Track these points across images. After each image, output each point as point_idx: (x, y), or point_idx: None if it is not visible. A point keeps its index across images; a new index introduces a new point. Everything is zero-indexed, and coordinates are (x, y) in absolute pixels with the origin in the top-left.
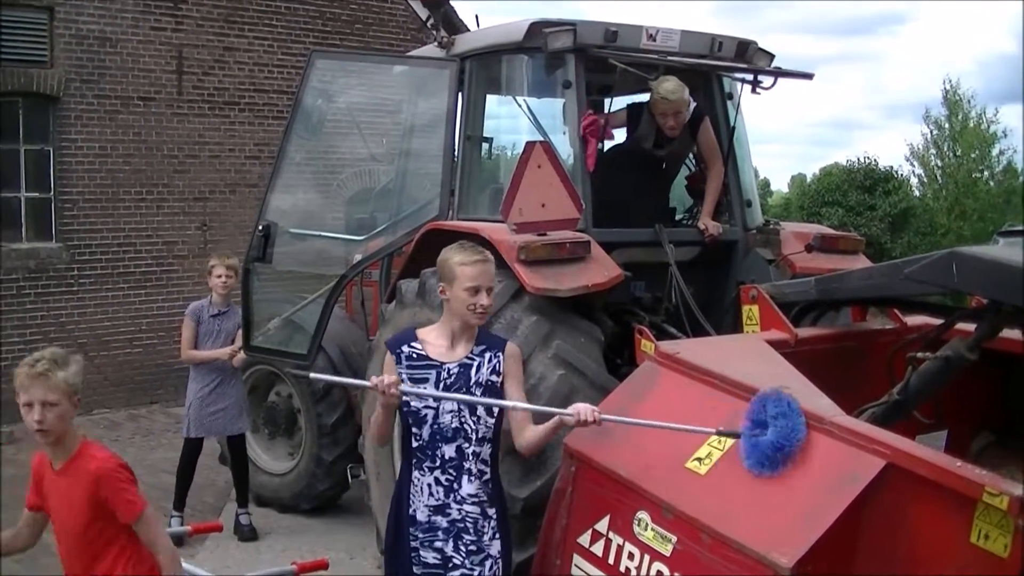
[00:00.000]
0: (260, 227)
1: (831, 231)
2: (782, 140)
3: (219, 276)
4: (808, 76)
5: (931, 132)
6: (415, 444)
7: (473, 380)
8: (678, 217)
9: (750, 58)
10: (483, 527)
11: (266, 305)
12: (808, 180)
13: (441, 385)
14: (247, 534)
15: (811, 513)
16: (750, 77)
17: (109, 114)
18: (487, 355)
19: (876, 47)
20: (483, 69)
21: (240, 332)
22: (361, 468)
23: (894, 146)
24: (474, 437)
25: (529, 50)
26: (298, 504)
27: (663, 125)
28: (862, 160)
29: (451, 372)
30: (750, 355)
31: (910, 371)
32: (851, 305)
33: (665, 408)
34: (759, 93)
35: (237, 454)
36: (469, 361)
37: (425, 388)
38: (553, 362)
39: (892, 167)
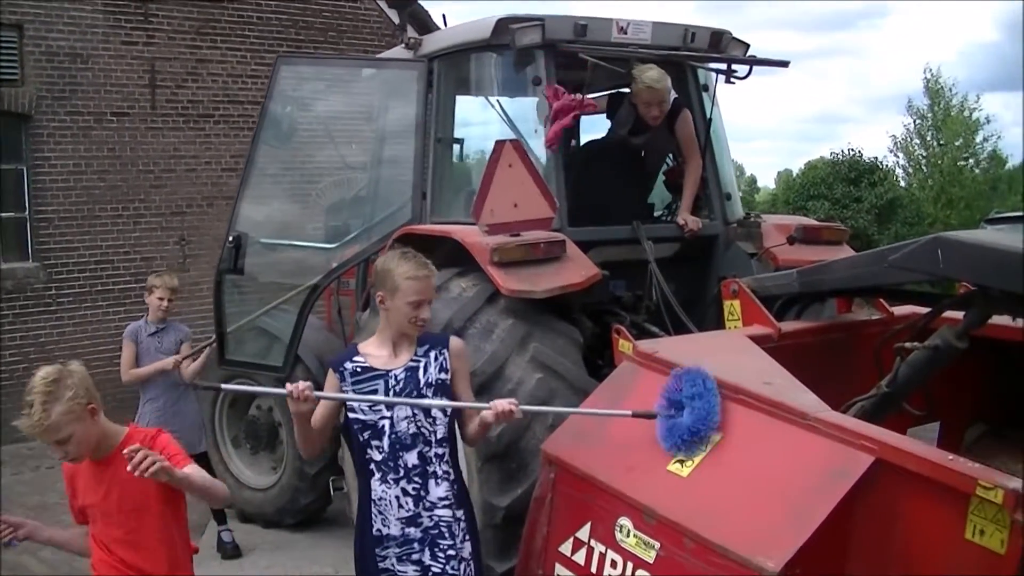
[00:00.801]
0: (231, 238)
1: (813, 222)
2: (769, 136)
3: (160, 298)
4: (783, 64)
5: (914, 122)
6: (377, 457)
7: (423, 382)
8: (657, 213)
9: (724, 48)
10: (455, 530)
11: (239, 317)
12: (794, 175)
13: (391, 393)
14: (230, 551)
15: (798, 513)
16: (724, 67)
17: (83, 131)
18: (432, 354)
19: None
20: (451, 69)
21: (185, 345)
22: (343, 480)
23: (879, 139)
24: (433, 439)
25: (497, 47)
26: (282, 519)
27: (646, 115)
28: (846, 152)
29: (398, 378)
30: (731, 351)
31: (898, 362)
32: (836, 297)
33: (651, 403)
34: (733, 83)
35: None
36: (415, 363)
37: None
38: (531, 365)
39: (876, 158)
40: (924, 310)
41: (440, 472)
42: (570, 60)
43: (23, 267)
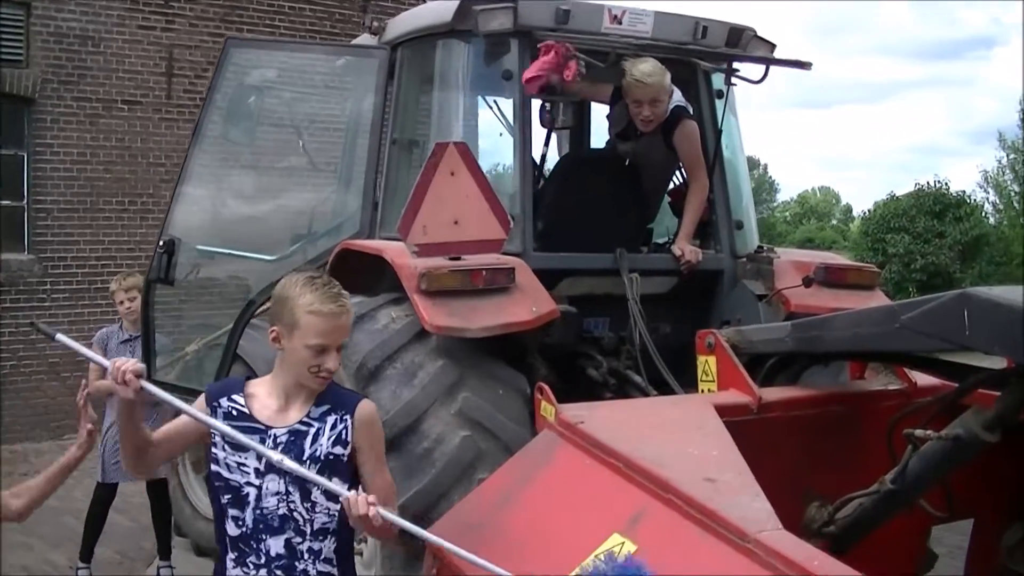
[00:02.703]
0: (161, 243)
1: (840, 260)
2: (867, 167)
3: (121, 302)
4: (804, 65)
5: (1007, 156)
6: (234, 532)
7: (307, 454)
8: (661, 241)
9: (743, 47)
10: None
11: (168, 333)
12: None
13: (264, 458)
14: None
15: None
16: (741, 67)
17: (89, 118)
18: (330, 419)
19: (964, 71)
20: (415, 58)
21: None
22: None
23: (972, 173)
24: (308, 529)
25: (462, 34)
26: None
27: (636, 115)
28: (932, 185)
29: (278, 441)
30: (682, 427)
31: (909, 452)
32: (835, 359)
33: (558, 495)
34: (734, 84)
35: (158, 500)
36: (304, 427)
37: (244, 458)
38: (456, 420)
39: (964, 192)
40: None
41: (313, 572)
42: None
43: (17, 259)
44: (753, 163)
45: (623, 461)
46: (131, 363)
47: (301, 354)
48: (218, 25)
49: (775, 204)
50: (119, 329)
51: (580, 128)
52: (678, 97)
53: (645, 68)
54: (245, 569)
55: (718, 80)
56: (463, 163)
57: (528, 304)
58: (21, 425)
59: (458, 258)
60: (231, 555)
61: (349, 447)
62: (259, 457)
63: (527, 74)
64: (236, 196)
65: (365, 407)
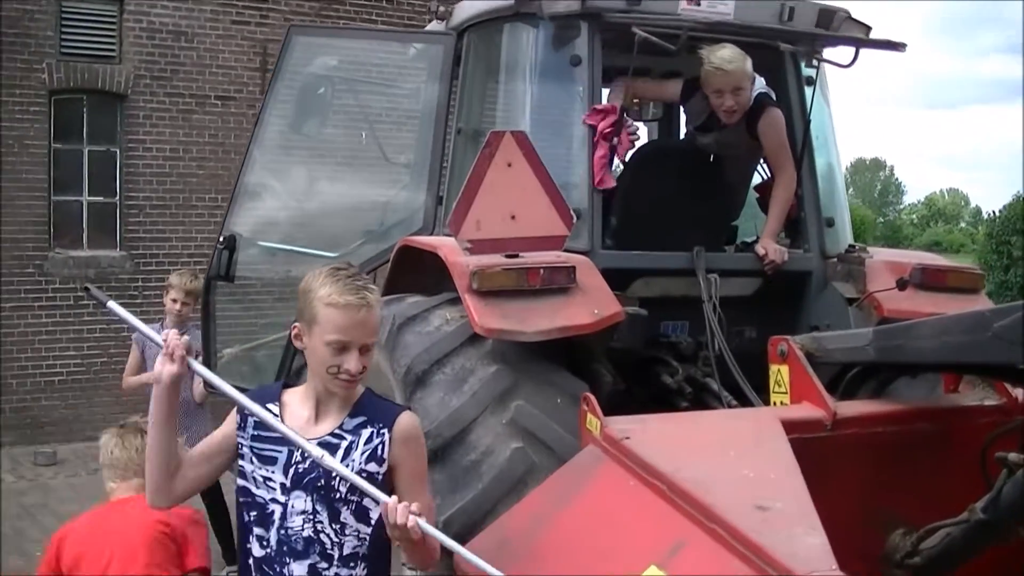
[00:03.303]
0: (222, 239)
1: (940, 261)
2: (998, 168)
3: (174, 300)
4: (898, 47)
5: None
6: (258, 553)
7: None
8: (749, 240)
9: (835, 29)
10: None
11: (228, 331)
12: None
13: (290, 473)
14: None
15: None
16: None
17: (182, 114)
18: (365, 432)
19: None
20: (481, 44)
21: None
22: None
23: None
24: (336, 554)
25: (529, 17)
26: None
27: (718, 107)
28: None
29: (305, 454)
30: (739, 445)
31: (1004, 477)
32: (922, 371)
33: (596, 517)
34: (815, 66)
35: (214, 504)
36: (335, 440)
37: (271, 472)
38: (507, 431)
39: None
40: None
41: None
42: (626, 40)
43: (108, 255)
44: (879, 165)
45: (667, 483)
46: (184, 338)
47: (320, 352)
48: (313, 20)
49: (902, 206)
50: (160, 327)
51: (669, 120)
52: (760, 84)
53: (725, 54)
54: None
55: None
56: (521, 153)
57: (590, 306)
58: (111, 423)
59: (515, 256)
60: None
61: (385, 465)
62: (286, 472)
63: (596, 181)
64: (299, 191)
65: (406, 420)
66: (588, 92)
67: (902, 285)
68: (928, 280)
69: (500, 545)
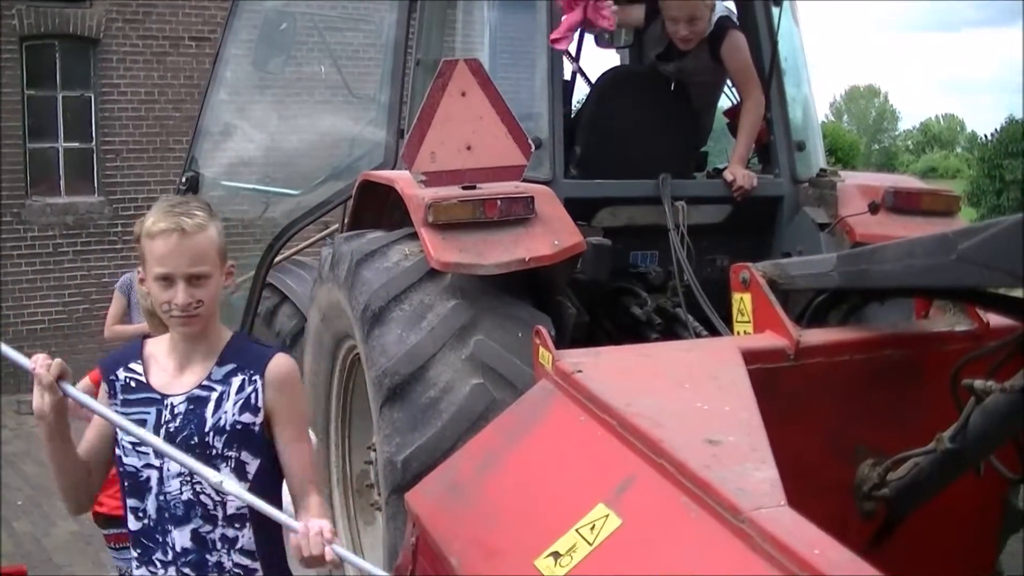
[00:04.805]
0: (184, 179)
1: (913, 183)
2: (993, 91)
3: None
4: None
5: None
6: (136, 526)
7: (210, 424)
8: (722, 166)
9: None
10: None
11: None
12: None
13: (162, 432)
14: None
15: None
16: None
17: (156, 56)
18: (236, 380)
19: None
20: None
21: None
22: None
23: None
24: (220, 514)
25: None
26: None
27: (673, 34)
28: None
29: (175, 411)
30: (695, 377)
31: (971, 406)
32: (889, 296)
33: (546, 456)
34: None
35: None
36: (204, 392)
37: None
38: (467, 366)
39: None
40: None
41: (228, 565)
42: None
43: (86, 201)
44: (874, 91)
45: (617, 418)
46: (54, 365)
47: (154, 292)
48: None
49: (897, 133)
50: (138, 273)
51: (640, 47)
52: (721, 7)
53: None
54: (152, 568)
55: None
56: (476, 82)
57: (550, 237)
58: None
59: (472, 187)
60: (135, 553)
61: (261, 414)
62: (156, 433)
63: (553, 35)
64: (261, 128)
65: (278, 363)
66: (548, 19)
67: (874, 209)
68: (901, 203)
69: (447, 486)
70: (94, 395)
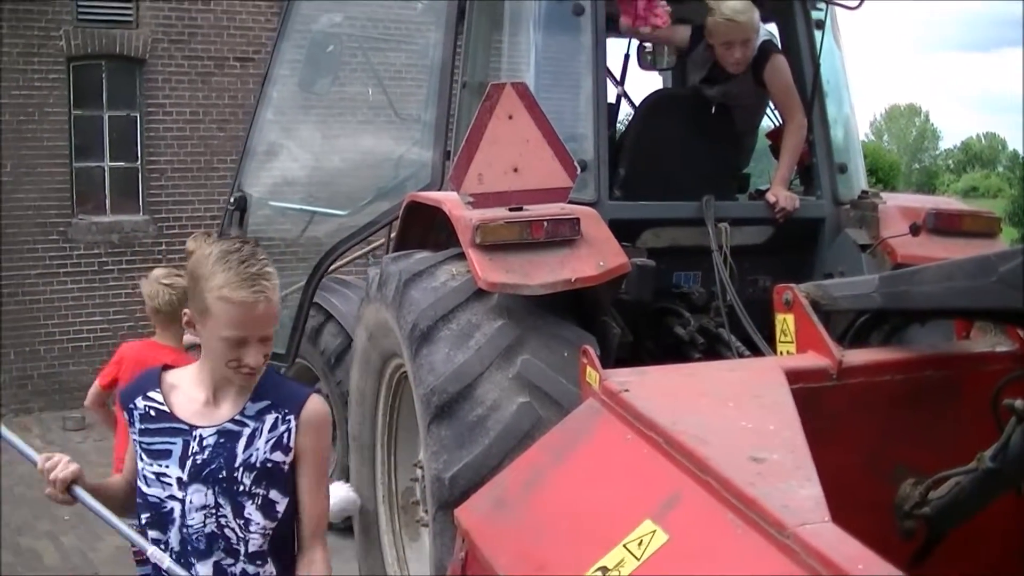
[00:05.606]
0: (232, 199)
1: (954, 205)
2: None
3: None
4: None
5: None
6: None
7: (240, 460)
8: (762, 188)
9: None
10: None
11: None
12: None
13: (188, 464)
14: None
15: None
16: None
17: (201, 76)
18: (269, 418)
19: None
20: None
21: None
22: None
23: None
24: (243, 550)
25: None
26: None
27: (724, 59)
28: None
29: (204, 443)
30: (738, 396)
31: (1012, 425)
32: (930, 317)
33: (593, 473)
34: (820, 9)
35: None
36: (236, 427)
37: (164, 466)
38: (513, 385)
39: None
40: None
41: None
42: None
43: (131, 220)
44: (914, 111)
45: (663, 436)
46: (66, 465)
47: (215, 346)
48: None
49: (938, 152)
50: None
51: (683, 69)
52: (763, 31)
53: (736, 5)
54: None
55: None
56: (522, 105)
57: (595, 258)
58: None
59: (519, 209)
60: None
61: (291, 454)
62: (182, 464)
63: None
64: (308, 149)
65: (314, 406)
66: (593, 42)
67: (915, 230)
68: (942, 225)
69: (494, 502)
70: (99, 398)
